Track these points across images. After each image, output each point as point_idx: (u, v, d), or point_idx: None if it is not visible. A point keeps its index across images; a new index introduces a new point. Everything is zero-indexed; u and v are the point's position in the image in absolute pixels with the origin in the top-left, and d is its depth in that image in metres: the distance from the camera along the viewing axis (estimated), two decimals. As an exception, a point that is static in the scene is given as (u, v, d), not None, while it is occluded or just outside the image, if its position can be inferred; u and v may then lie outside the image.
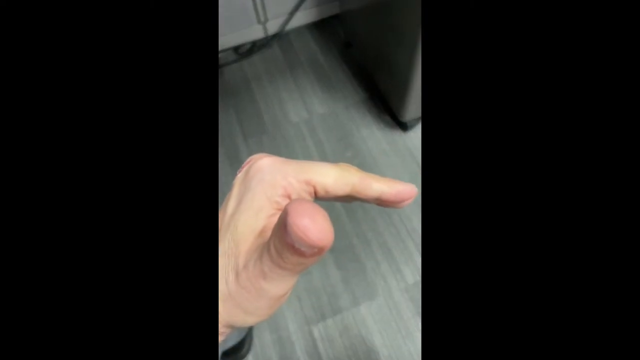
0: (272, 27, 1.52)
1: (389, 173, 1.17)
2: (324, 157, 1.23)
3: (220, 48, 1.51)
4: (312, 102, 1.37)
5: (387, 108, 1.30)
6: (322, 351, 0.94)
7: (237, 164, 1.24)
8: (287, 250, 0.13)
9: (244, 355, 0.94)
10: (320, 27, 1.57)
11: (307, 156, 1.24)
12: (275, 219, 0.16)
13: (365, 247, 1.07)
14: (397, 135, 1.26)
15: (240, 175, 0.18)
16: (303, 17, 1.54)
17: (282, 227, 0.12)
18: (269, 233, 0.16)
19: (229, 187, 0.18)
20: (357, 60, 1.43)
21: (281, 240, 0.13)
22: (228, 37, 1.49)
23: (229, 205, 0.17)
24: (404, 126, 1.25)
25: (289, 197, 0.17)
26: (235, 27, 1.47)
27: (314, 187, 0.17)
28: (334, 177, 0.17)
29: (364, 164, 1.20)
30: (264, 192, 0.16)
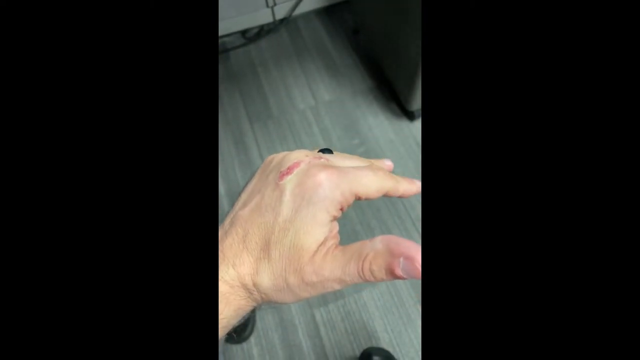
0: (280, 11, 1.50)
1: (395, 162, 1.16)
2: (330, 145, 1.23)
3: (227, 32, 1.49)
4: (319, 88, 1.36)
5: (394, 96, 1.29)
6: (324, 335, 0.95)
7: (242, 147, 1.24)
8: (387, 275, 0.17)
9: (247, 337, 0.96)
10: (329, 13, 1.55)
11: (314, 143, 1.24)
12: (328, 229, 0.20)
13: (369, 234, 1.07)
14: (404, 124, 1.25)
15: (292, 179, 0.20)
16: (311, 3, 1.52)
17: (391, 257, 0.17)
18: (328, 242, 0.19)
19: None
20: (365, 47, 1.42)
21: (388, 266, 0.17)
22: (235, 20, 1.47)
23: (282, 210, 0.19)
24: (410, 115, 1.24)
25: (342, 209, 0.20)
26: (243, 10, 1.45)
27: (359, 196, 0.21)
28: (376, 189, 0.20)
29: (370, 152, 1.20)
30: (326, 209, 0.19)
